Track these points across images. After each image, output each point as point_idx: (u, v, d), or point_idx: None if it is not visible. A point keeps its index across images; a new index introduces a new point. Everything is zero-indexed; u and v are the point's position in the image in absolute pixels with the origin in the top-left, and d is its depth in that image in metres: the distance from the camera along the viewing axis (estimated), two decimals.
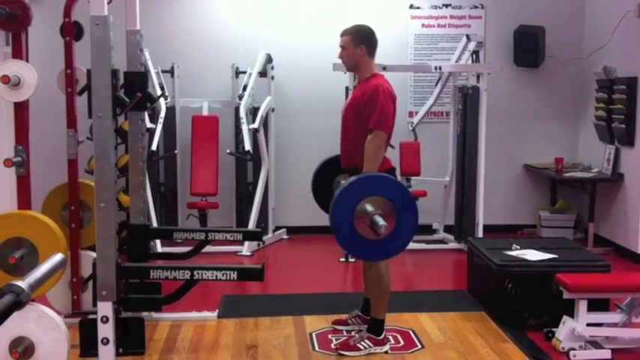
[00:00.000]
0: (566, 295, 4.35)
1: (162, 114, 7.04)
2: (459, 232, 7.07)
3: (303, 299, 5.30)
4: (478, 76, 6.76)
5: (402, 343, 4.41)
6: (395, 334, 4.54)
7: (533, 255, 4.92)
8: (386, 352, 4.23)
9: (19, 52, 3.65)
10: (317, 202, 4.85)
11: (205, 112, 7.35)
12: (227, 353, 4.24)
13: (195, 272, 3.82)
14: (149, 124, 6.96)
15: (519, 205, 7.92)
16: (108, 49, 3.62)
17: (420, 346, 4.35)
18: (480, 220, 6.76)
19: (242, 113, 7.01)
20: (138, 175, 4.78)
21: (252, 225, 6.95)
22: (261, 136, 7.09)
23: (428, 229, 7.49)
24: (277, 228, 7.57)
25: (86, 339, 3.75)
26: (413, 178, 7.22)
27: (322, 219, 6.22)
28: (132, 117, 4.76)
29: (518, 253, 4.97)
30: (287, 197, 7.66)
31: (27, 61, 3.75)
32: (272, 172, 7.41)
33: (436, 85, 7.30)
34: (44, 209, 4.78)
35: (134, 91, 4.68)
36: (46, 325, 3.64)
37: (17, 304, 1.78)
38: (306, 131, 7.56)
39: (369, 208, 3.78)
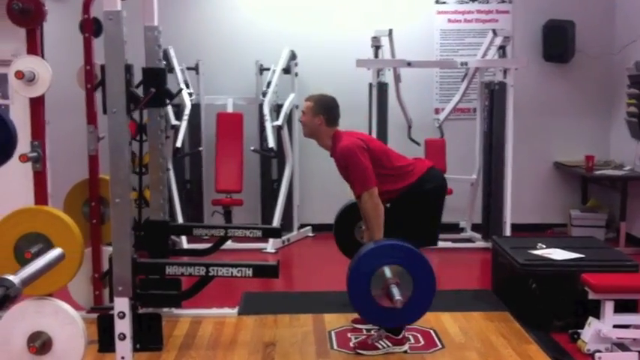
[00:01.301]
0: (591, 296, 4.24)
1: (187, 111, 7.03)
2: (486, 230, 6.95)
3: (325, 297, 5.23)
4: (505, 72, 6.65)
5: (423, 342, 4.33)
6: (416, 333, 4.47)
7: (558, 254, 4.81)
8: (405, 352, 4.16)
9: (33, 47, 3.63)
10: (340, 249, 4.95)
11: (230, 110, 7.33)
12: (245, 350, 4.20)
13: (210, 269, 3.81)
14: (174, 122, 6.99)
15: (549, 204, 7.77)
16: (121, 44, 3.62)
17: (440, 346, 4.27)
18: (508, 219, 6.64)
19: (266, 110, 6.99)
20: (157, 171, 4.79)
21: (276, 222, 6.91)
22: (284, 133, 7.06)
23: (455, 228, 7.40)
24: (302, 225, 7.52)
25: (105, 334, 3.76)
26: None
27: None
28: (151, 113, 4.77)
29: (543, 252, 4.86)
30: (312, 195, 7.61)
31: (42, 56, 3.74)
32: (296, 169, 7.37)
33: (462, 81, 7.20)
34: (66, 205, 4.80)
35: (152, 87, 4.70)
36: (62, 320, 3.62)
37: (6, 298, 1.75)
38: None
39: (387, 274, 3.77)
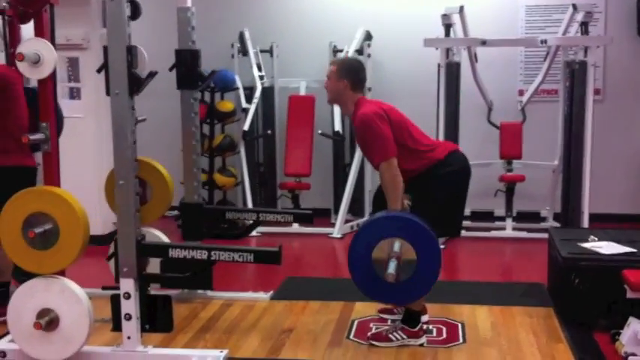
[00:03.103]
0: (629, 295, 3.88)
1: (258, 94, 7.06)
2: (565, 220, 6.54)
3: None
4: (586, 50, 6.21)
5: (444, 336, 4.12)
6: (442, 326, 4.26)
7: (608, 248, 4.43)
8: (421, 345, 3.96)
9: (40, 30, 3.70)
10: None
11: (302, 92, 7.28)
12: (259, 335, 4.15)
13: (212, 253, 3.78)
14: (245, 105, 7.03)
15: None
16: (123, 24, 3.62)
17: (460, 341, 4.04)
18: (586, 209, 6.22)
19: None
20: (191, 153, 4.80)
21: (343, 207, 6.82)
22: None
23: (534, 217, 7.03)
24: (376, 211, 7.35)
25: (117, 314, 3.80)
26: (515, 161, 6.79)
27: None
28: (184, 96, 4.78)
29: (592, 245, 4.49)
30: None
31: (52, 40, 3.82)
32: None
33: (544, 60, 6.79)
34: (107, 187, 4.90)
35: (185, 69, 4.72)
36: (68, 299, 3.70)
37: None
38: (403, 111, 7.26)
39: (390, 247, 3.61)
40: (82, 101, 6.47)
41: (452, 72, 6.48)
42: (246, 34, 7.22)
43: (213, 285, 4.67)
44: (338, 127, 6.70)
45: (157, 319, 3.85)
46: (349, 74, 4.05)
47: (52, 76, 3.83)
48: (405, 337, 3.98)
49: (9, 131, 4.22)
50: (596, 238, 4.61)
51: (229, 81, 7.05)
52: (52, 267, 3.71)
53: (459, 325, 4.28)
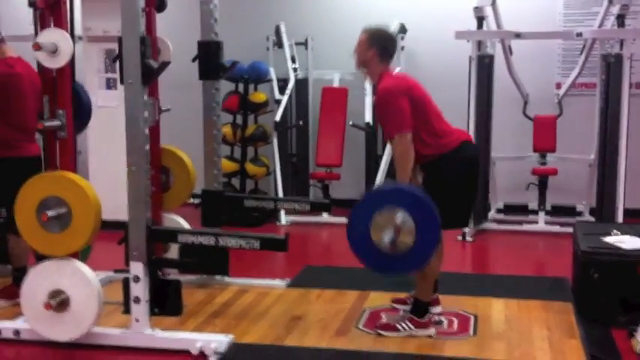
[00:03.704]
0: None
1: (291, 86, 7.10)
2: (600, 215, 6.40)
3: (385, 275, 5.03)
4: (622, 43, 6.06)
5: (455, 328, 4.08)
6: (454, 317, 4.21)
7: (631, 243, 4.32)
8: (429, 336, 3.93)
9: (58, 21, 3.78)
10: None
11: (336, 84, 7.28)
12: (267, 323, 4.17)
13: (219, 239, 3.82)
14: (278, 96, 7.07)
15: None
16: (137, 15, 3.69)
17: (470, 334, 3.99)
18: (620, 204, 6.06)
19: (367, 84, 6.85)
20: (212, 142, 4.86)
21: None
22: None
23: (570, 211, 6.89)
24: None
25: (128, 297, 3.88)
26: (550, 154, 6.68)
27: None
28: (205, 86, 4.83)
29: (614, 239, 4.38)
30: None
31: (71, 30, 3.90)
32: None
33: (580, 53, 6.65)
34: None
35: (207, 60, 4.77)
36: (79, 281, 3.80)
37: None
38: (440, 104, 7.17)
39: (390, 217, 3.57)
40: (119, 91, 6.59)
41: (484, 64, 6.38)
42: (282, 27, 7.26)
43: (229, 271, 4.73)
44: (368, 118, 6.68)
45: (166, 303, 3.92)
46: (379, 44, 3.97)
47: (71, 65, 3.93)
48: (412, 327, 3.94)
49: (12, 123, 4.32)
50: (619, 233, 4.50)
51: (262, 72, 7.10)
52: (65, 249, 3.81)
53: (472, 318, 4.23)
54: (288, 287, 4.83)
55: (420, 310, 3.97)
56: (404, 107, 3.82)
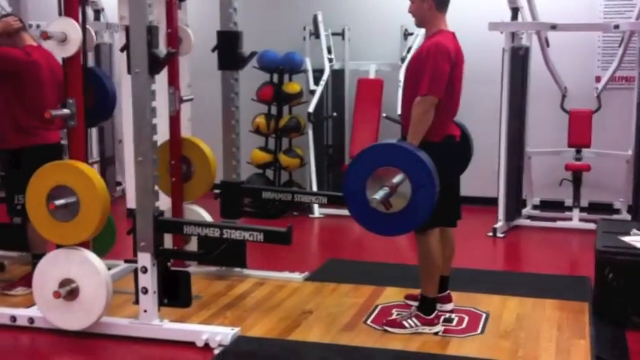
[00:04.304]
0: None
1: (325, 76, 7.10)
2: (635, 213, 6.22)
3: (405, 270, 4.98)
4: None
5: (464, 326, 4.03)
6: (465, 315, 4.16)
7: None
8: (435, 334, 3.89)
9: (69, 9, 3.84)
10: None
11: (372, 76, 7.23)
12: (277, 316, 4.20)
13: (224, 230, 3.84)
14: (312, 87, 7.07)
15: None
16: (144, 5, 3.72)
17: (478, 332, 3.94)
18: None
19: (401, 76, 6.78)
20: (230, 133, 4.89)
21: None
22: None
23: (607, 209, 6.72)
24: None
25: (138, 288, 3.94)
26: (586, 150, 6.51)
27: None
28: (224, 77, 4.86)
29: (632, 239, 4.26)
30: None
31: (83, 19, 3.96)
32: None
33: (619, 46, 6.45)
34: None
35: (226, 50, 4.80)
36: (87, 270, 3.87)
37: None
38: (474, 97, 7.06)
39: (388, 178, 3.51)
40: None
41: (518, 57, 6.24)
42: (320, 17, 7.24)
43: (246, 263, 4.78)
44: (400, 110, 6.59)
45: (175, 295, 3.97)
46: None
47: (83, 54, 3.99)
48: (419, 324, 3.91)
49: (30, 110, 4.41)
50: (638, 232, 4.37)
51: (297, 63, 7.10)
52: (74, 239, 3.88)
53: (483, 316, 4.17)
54: (306, 280, 4.84)
55: (426, 307, 3.93)
56: (445, 71, 3.71)
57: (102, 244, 4.48)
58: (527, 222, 6.55)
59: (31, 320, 4.05)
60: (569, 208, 6.63)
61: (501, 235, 6.11)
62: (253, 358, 3.67)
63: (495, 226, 6.13)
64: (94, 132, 7.22)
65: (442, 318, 4.07)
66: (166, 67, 5.03)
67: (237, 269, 4.92)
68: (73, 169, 3.84)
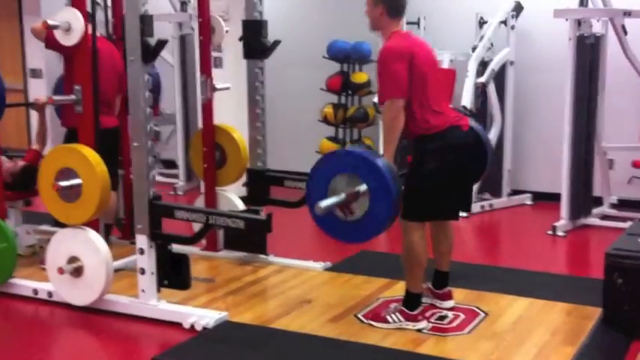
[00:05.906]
0: None
1: None
2: None
3: (429, 264, 4.83)
4: None
5: (455, 324, 3.88)
6: (462, 313, 4.01)
7: None
8: (419, 330, 3.78)
9: (76, 1, 4.05)
10: None
11: (446, 65, 7.03)
12: (274, 303, 4.25)
13: (210, 217, 3.94)
14: None
15: None
16: None
17: (464, 332, 3.78)
18: None
19: (470, 66, 6.58)
20: (256, 121, 4.96)
21: (475, 186, 6.54)
22: (491, 91, 6.60)
23: None
24: (516, 192, 6.95)
25: None
26: None
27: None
28: (249, 66, 4.94)
29: None
30: (529, 160, 6.97)
31: (92, 10, 4.16)
32: (508, 131, 6.81)
33: None
34: (192, 149, 5.24)
35: (251, 39, 4.87)
36: (90, 250, 4.09)
37: None
38: (550, 87, 6.73)
39: (345, 184, 3.53)
40: (224, 70, 6.84)
41: (584, 46, 5.86)
42: None
43: (267, 250, 4.86)
44: (465, 101, 6.41)
45: (173, 277, 4.09)
46: (386, 0, 3.79)
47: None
48: (402, 319, 3.83)
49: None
50: None
51: (365, 52, 7.04)
52: (77, 219, 4.11)
53: (480, 315, 4.00)
54: (326, 270, 4.83)
55: (409, 302, 3.85)
56: (400, 71, 3.63)
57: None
58: (597, 221, 6.14)
59: (50, 294, 4.33)
60: None
61: (562, 234, 5.78)
62: (225, 342, 3.74)
63: (556, 224, 5.82)
64: None
65: (437, 315, 3.97)
66: (198, 56, 5.24)
67: (263, 256, 4.98)
68: (77, 153, 4.06)
